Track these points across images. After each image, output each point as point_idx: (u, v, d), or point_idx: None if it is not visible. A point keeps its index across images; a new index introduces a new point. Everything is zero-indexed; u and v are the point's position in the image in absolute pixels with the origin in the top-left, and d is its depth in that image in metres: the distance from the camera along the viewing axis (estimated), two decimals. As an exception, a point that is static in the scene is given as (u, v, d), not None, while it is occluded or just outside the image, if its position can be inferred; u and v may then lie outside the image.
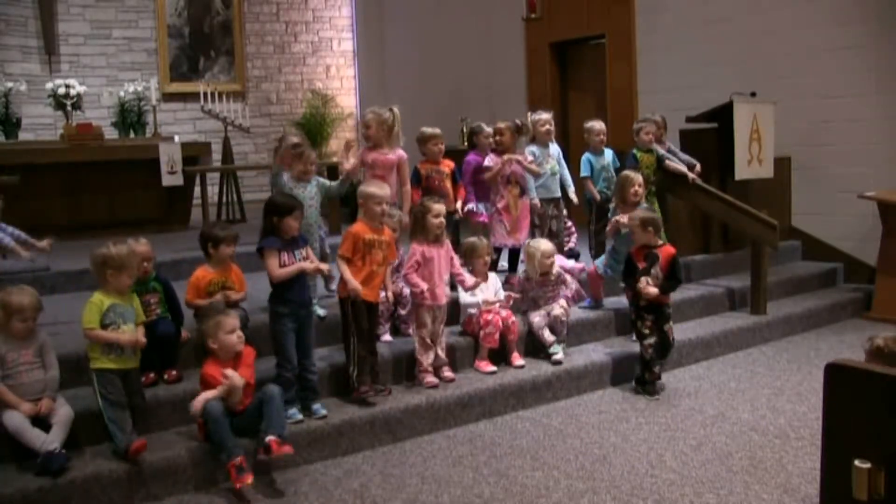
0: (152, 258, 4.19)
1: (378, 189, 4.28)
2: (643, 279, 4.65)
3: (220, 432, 3.52)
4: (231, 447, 3.50)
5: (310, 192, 4.77)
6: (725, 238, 6.98)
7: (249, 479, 3.47)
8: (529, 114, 5.86)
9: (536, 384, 4.66)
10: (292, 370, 3.95)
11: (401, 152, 5.06)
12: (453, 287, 4.82)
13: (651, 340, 4.69)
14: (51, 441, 3.38)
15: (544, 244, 5.03)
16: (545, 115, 5.80)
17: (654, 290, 4.61)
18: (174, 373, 4.07)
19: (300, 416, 3.94)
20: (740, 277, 6.46)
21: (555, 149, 5.83)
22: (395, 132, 4.99)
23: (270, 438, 3.53)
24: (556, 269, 5.05)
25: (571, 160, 6.35)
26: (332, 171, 8.63)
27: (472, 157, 5.76)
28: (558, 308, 4.96)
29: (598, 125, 6.11)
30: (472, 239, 4.96)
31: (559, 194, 5.84)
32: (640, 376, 4.81)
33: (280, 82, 11.57)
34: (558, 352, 4.86)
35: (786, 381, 4.99)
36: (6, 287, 3.69)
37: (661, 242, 4.78)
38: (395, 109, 5.02)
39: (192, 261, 4.55)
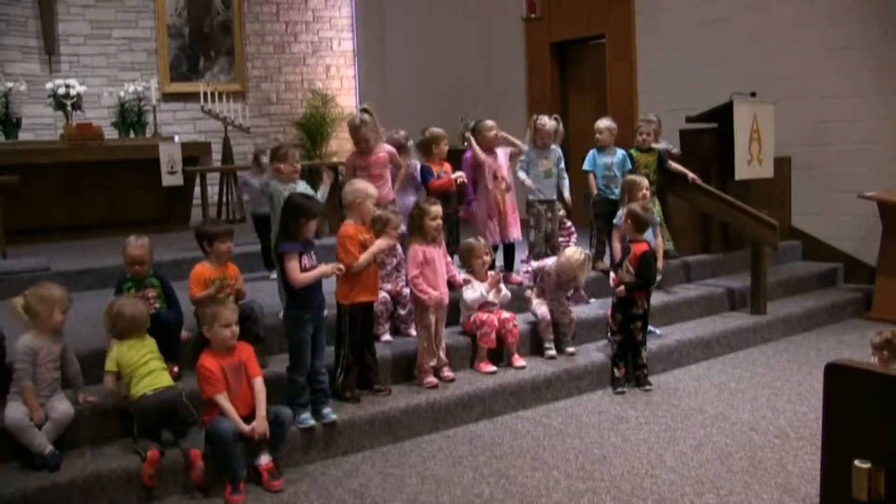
0: (146, 262, 4.16)
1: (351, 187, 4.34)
2: (616, 271, 4.85)
3: (229, 454, 3.51)
4: (236, 468, 3.50)
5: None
6: (725, 238, 6.98)
7: (240, 500, 3.46)
8: (535, 116, 5.75)
9: (536, 384, 4.66)
10: (306, 375, 3.92)
11: (388, 147, 5.09)
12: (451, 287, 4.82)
13: (617, 337, 4.86)
14: (43, 442, 3.42)
15: (577, 254, 4.97)
16: (549, 125, 5.65)
17: (619, 289, 4.74)
18: (175, 369, 4.03)
19: (312, 422, 3.90)
20: (740, 277, 6.46)
21: (556, 152, 5.74)
22: (379, 129, 5.00)
23: (262, 465, 3.60)
24: (577, 284, 5.14)
25: (571, 160, 6.32)
26: (332, 172, 8.63)
27: (469, 154, 5.79)
28: (569, 316, 5.06)
29: (600, 122, 6.00)
30: (470, 240, 4.98)
31: (554, 197, 5.81)
32: (610, 371, 4.90)
33: (280, 82, 11.57)
34: (551, 348, 4.97)
35: (786, 381, 4.99)
36: (39, 282, 3.76)
37: (640, 238, 4.86)
38: (367, 106, 5.05)
39: (192, 261, 4.54)
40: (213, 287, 4.07)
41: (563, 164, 5.81)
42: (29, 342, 3.52)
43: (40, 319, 3.56)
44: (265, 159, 6.24)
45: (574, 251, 5.02)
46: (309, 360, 3.91)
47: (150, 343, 3.79)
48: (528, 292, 5.17)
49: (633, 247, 4.81)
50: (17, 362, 3.50)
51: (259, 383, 3.70)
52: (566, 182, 5.83)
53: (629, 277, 4.76)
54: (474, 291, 4.82)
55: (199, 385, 3.65)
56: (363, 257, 4.10)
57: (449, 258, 4.74)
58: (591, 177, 5.94)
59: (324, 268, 3.92)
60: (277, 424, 3.66)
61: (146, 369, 3.68)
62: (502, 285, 4.96)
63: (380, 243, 4.21)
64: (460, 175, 5.44)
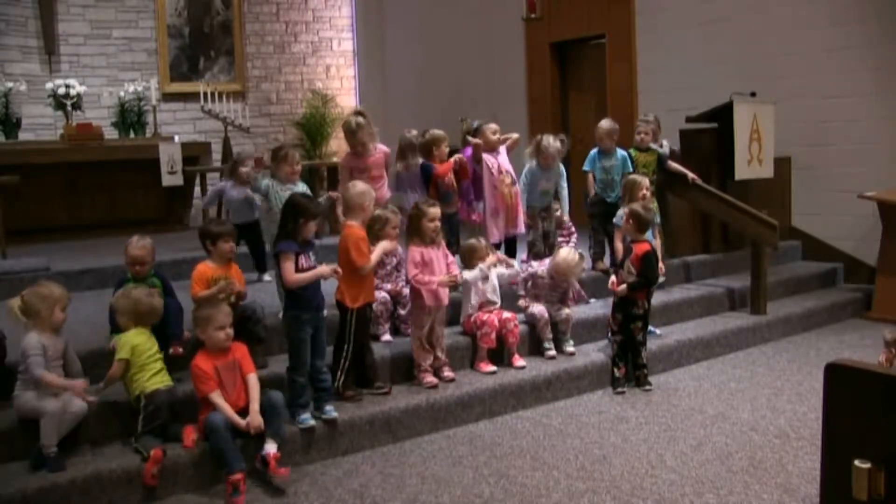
0: (147, 262, 4.16)
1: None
2: (618, 271, 4.86)
3: (222, 445, 3.51)
4: (232, 462, 3.49)
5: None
6: (725, 238, 6.98)
7: (241, 502, 3.45)
8: (539, 137, 5.72)
9: (536, 384, 4.66)
10: (306, 375, 3.92)
11: (382, 147, 5.13)
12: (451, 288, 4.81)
13: (617, 337, 4.87)
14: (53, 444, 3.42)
15: (572, 255, 5.00)
16: (553, 147, 5.63)
17: (621, 289, 4.74)
18: (180, 350, 4.03)
19: (312, 422, 3.89)
20: (740, 277, 6.46)
21: (558, 170, 5.76)
22: (374, 131, 5.03)
23: (271, 454, 3.57)
24: (570, 284, 5.11)
25: (570, 160, 6.30)
26: (332, 172, 8.64)
27: (469, 153, 5.80)
28: (565, 312, 5.05)
29: (600, 126, 5.97)
30: (472, 241, 4.97)
31: (550, 203, 5.84)
32: (611, 371, 4.89)
33: (280, 82, 11.56)
34: (551, 348, 4.97)
35: (786, 381, 4.99)
36: (38, 282, 3.75)
37: (641, 238, 4.86)
38: (360, 108, 5.18)
39: (192, 261, 4.55)
40: (217, 286, 4.06)
41: (564, 182, 5.84)
42: (38, 338, 3.53)
43: (42, 318, 3.56)
44: (244, 170, 5.98)
45: (568, 252, 5.04)
46: (308, 360, 3.91)
47: (155, 342, 3.82)
48: (521, 301, 5.18)
49: (635, 247, 4.81)
50: (29, 357, 3.47)
51: (252, 379, 3.73)
52: (565, 194, 5.88)
53: (631, 278, 4.76)
54: (472, 271, 4.78)
55: (194, 384, 3.69)
56: (372, 258, 4.13)
57: (451, 258, 4.73)
58: (590, 177, 5.95)
59: (321, 269, 3.92)
60: (271, 410, 3.66)
61: (156, 366, 3.73)
62: (512, 260, 5.02)
63: (384, 245, 4.23)
64: (459, 157, 5.49)
